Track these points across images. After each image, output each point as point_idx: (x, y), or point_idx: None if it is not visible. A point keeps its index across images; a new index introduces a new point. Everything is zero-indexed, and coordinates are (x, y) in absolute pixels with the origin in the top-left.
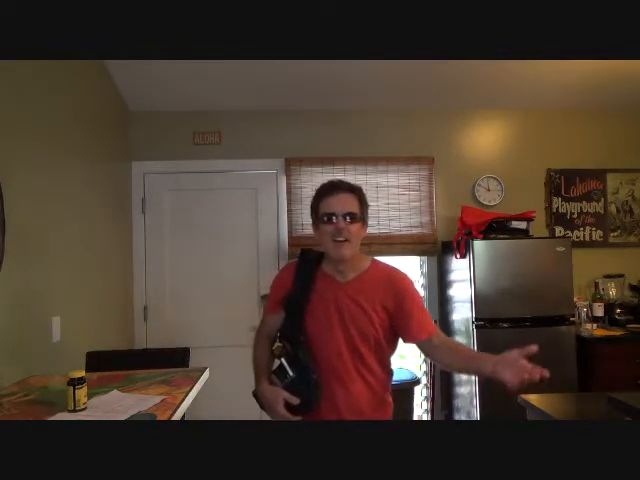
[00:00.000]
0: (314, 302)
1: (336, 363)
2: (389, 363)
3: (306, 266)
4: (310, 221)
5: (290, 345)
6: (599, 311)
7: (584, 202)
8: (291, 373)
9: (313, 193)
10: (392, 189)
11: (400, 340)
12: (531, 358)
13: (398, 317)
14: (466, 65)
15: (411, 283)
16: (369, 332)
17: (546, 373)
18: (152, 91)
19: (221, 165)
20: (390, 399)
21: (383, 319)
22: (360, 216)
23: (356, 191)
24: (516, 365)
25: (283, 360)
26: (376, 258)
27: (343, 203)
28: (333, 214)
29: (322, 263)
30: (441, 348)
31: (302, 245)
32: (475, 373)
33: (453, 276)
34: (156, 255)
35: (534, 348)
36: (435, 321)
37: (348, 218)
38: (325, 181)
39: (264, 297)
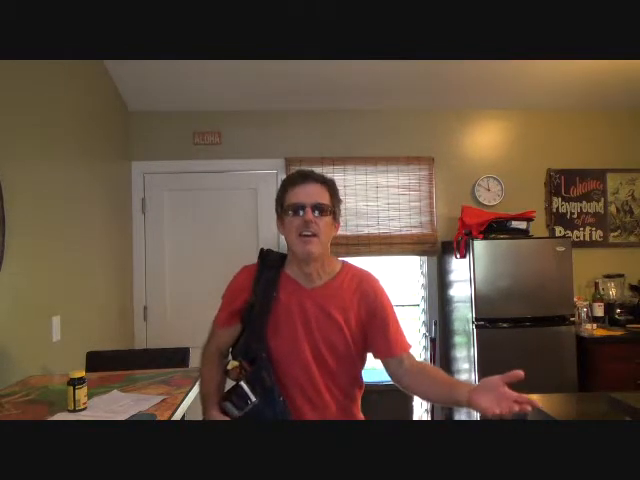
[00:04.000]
0: (277, 312)
1: (304, 382)
2: (361, 377)
3: (266, 270)
4: None
5: (249, 365)
6: (599, 311)
7: (584, 202)
8: (254, 398)
9: None
10: (392, 189)
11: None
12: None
13: (370, 329)
14: (466, 65)
15: (385, 291)
16: (340, 346)
17: (537, 403)
18: (152, 91)
19: (221, 165)
20: (361, 415)
21: (356, 332)
22: (331, 209)
23: (328, 182)
24: (496, 392)
25: (243, 383)
26: (347, 261)
27: (312, 194)
28: (300, 205)
29: (285, 266)
30: (412, 372)
31: None
32: (449, 403)
33: (453, 276)
34: (156, 255)
35: (520, 373)
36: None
37: (317, 211)
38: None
39: None
